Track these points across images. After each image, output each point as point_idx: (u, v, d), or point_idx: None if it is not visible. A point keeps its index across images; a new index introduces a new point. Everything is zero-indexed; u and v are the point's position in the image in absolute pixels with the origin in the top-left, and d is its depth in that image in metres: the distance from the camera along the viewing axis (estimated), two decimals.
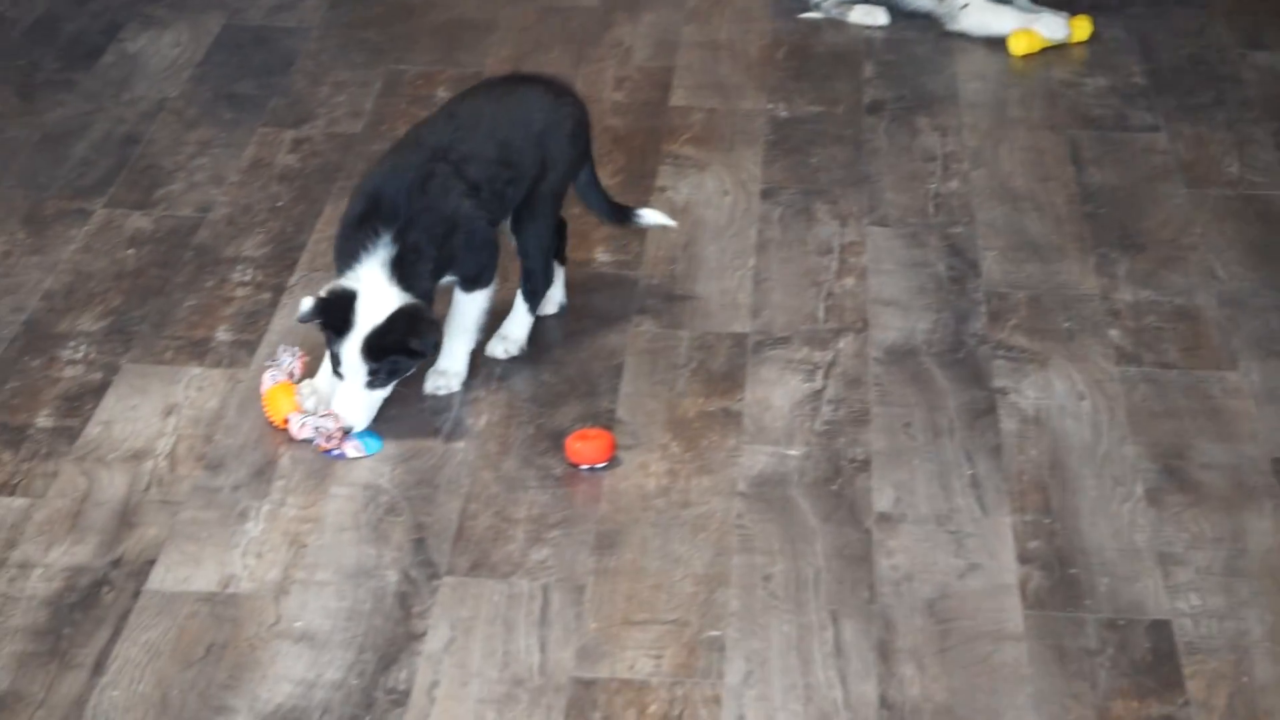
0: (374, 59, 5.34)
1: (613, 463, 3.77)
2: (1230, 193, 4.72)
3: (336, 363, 3.79)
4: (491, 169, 3.93)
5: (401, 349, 3.76)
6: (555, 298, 4.21)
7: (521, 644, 3.35)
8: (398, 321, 3.76)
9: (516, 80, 4.23)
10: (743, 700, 3.24)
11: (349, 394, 3.79)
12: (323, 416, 3.79)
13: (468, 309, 3.98)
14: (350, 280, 3.80)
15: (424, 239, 3.83)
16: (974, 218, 4.60)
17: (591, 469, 3.76)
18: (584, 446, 3.76)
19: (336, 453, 3.77)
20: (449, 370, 3.98)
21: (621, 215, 4.26)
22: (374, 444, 3.79)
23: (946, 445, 3.83)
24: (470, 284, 3.95)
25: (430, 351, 3.82)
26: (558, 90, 4.14)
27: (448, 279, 3.94)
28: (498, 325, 4.09)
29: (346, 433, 3.78)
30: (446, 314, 3.98)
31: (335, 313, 3.77)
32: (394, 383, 3.83)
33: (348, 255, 3.83)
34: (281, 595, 3.44)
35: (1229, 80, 5.24)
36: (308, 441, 3.79)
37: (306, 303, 3.78)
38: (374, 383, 3.79)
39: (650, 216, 4.28)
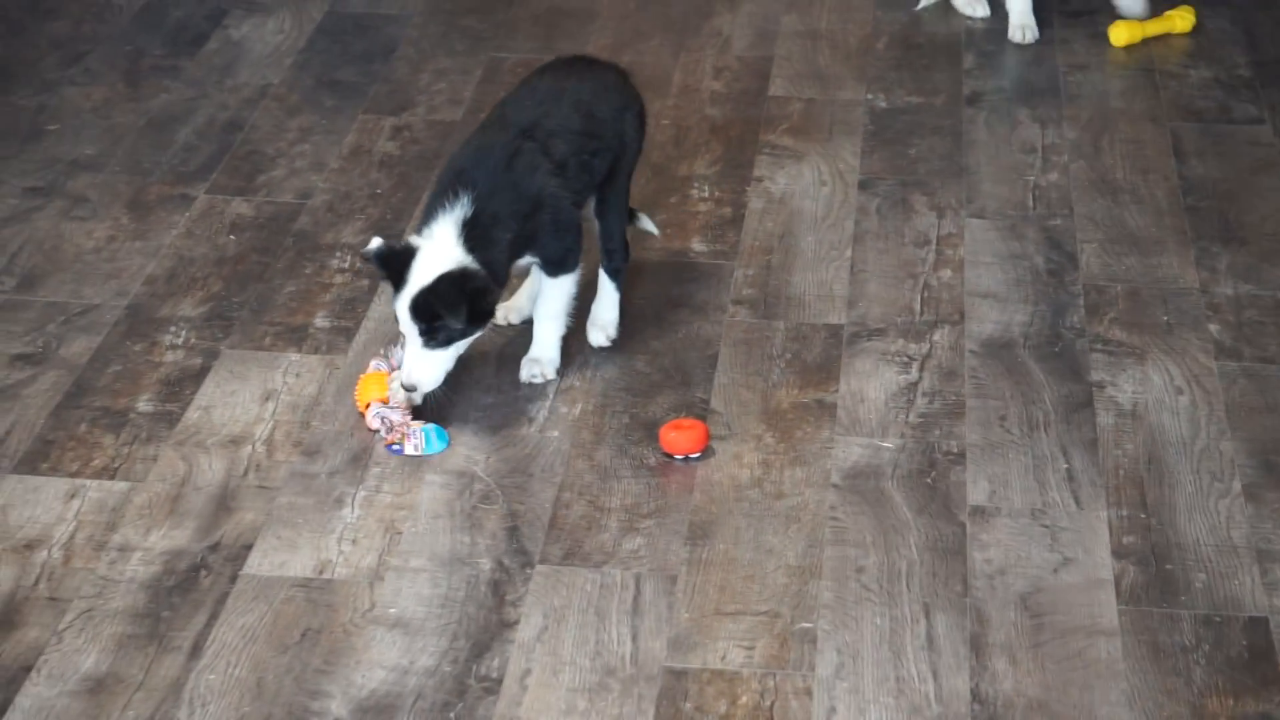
0: (475, 46, 5.37)
1: (707, 453, 3.78)
2: None
3: (397, 319, 3.81)
4: (577, 141, 3.93)
5: (441, 313, 3.75)
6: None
7: (614, 633, 3.36)
8: (442, 284, 3.74)
9: (586, 60, 4.21)
10: (834, 692, 3.24)
11: (409, 353, 3.81)
12: (391, 408, 3.81)
13: (554, 294, 3.99)
14: (423, 237, 3.81)
15: (504, 210, 3.83)
16: (1073, 210, 4.58)
17: (686, 459, 3.77)
18: (678, 436, 3.77)
19: (396, 448, 3.78)
20: (542, 358, 3.99)
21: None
22: (438, 444, 3.79)
23: (1042, 439, 3.82)
24: (555, 267, 3.95)
25: (466, 323, 3.76)
26: (624, 74, 4.15)
27: (527, 260, 3.93)
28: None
29: (416, 413, 3.79)
30: (535, 302, 4.00)
31: (395, 264, 3.78)
32: (458, 345, 3.81)
33: (426, 217, 3.84)
34: (376, 581, 3.47)
35: None
36: (376, 433, 3.81)
37: (375, 242, 3.81)
38: (430, 343, 3.79)
39: (643, 222, 4.26)
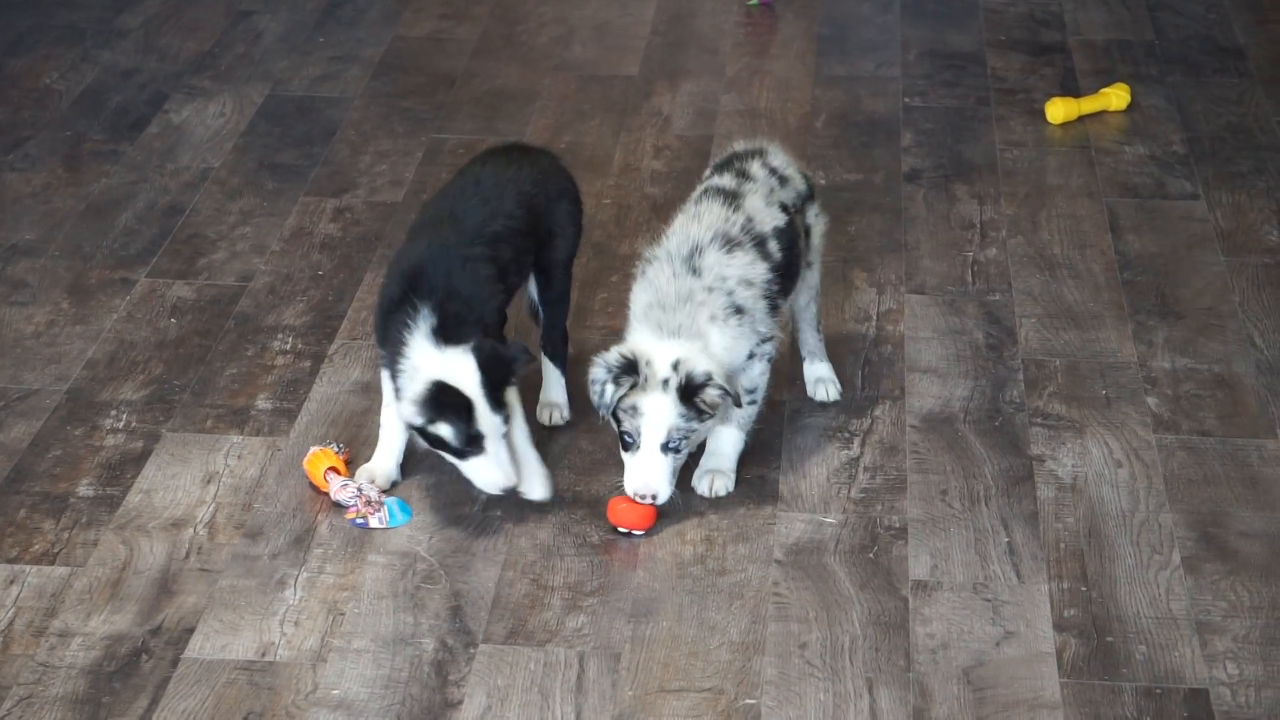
0: (415, 128, 5.38)
1: (653, 529, 3.78)
2: (1269, 260, 4.72)
3: (483, 438, 3.73)
4: (520, 240, 3.93)
5: (509, 373, 3.74)
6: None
7: (558, 712, 3.35)
8: (489, 365, 3.71)
9: (522, 148, 4.18)
10: None
11: (498, 451, 3.75)
12: (365, 482, 3.82)
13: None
14: (421, 370, 3.71)
15: (466, 310, 3.78)
16: (1011, 285, 4.61)
17: (629, 534, 3.77)
18: (628, 510, 3.77)
19: (360, 522, 3.79)
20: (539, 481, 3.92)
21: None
22: (402, 517, 3.80)
23: (983, 512, 3.84)
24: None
25: (525, 358, 3.76)
26: (558, 160, 4.15)
27: None
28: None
29: (380, 503, 3.81)
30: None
31: (451, 408, 3.69)
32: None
33: (394, 339, 3.75)
34: (319, 663, 3.46)
35: (1268, 149, 5.25)
36: (339, 506, 3.82)
37: (447, 431, 3.72)
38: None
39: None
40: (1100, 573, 3.67)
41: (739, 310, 3.81)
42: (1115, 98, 5.43)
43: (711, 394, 3.72)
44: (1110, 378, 4.26)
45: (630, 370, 3.72)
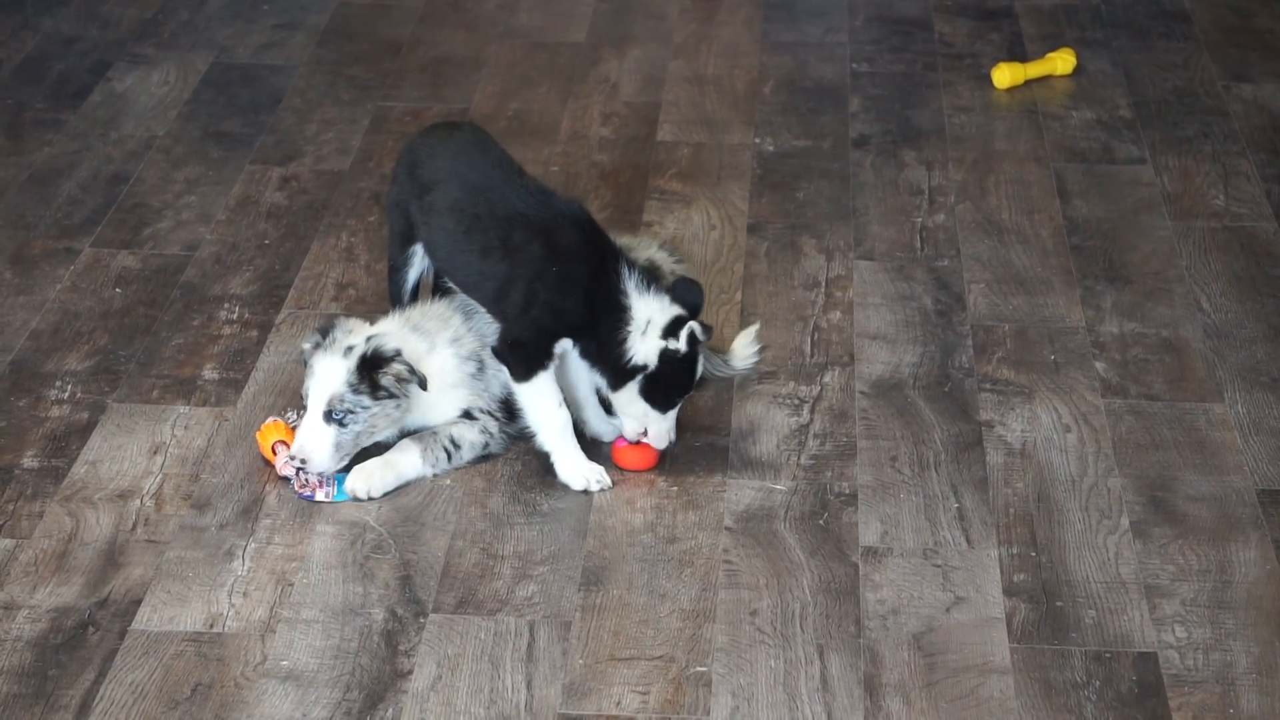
0: (361, 96, 5.35)
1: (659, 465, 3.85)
2: (1215, 225, 4.73)
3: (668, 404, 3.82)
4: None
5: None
6: None
7: (508, 681, 3.35)
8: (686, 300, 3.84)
9: (469, 126, 4.17)
10: None
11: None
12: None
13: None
14: (653, 321, 3.77)
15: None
16: (960, 251, 4.61)
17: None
18: (626, 450, 3.83)
19: (307, 494, 3.77)
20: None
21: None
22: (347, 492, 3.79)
23: (933, 478, 3.84)
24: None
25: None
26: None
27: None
28: None
29: (325, 479, 3.78)
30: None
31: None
32: None
33: (602, 312, 3.77)
34: (268, 634, 3.44)
35: (1214, 113, 5.26)
36: (285, 480, 3.80)
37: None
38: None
39: None
40: (1050, 538, 3.68)
41: (480, 364, 3.88)
42: (1061, 62, 5.44)
43: (398, 368, 3.73)
44: (1059, 343, 4.27)
45: (328, 334, 3.80)
